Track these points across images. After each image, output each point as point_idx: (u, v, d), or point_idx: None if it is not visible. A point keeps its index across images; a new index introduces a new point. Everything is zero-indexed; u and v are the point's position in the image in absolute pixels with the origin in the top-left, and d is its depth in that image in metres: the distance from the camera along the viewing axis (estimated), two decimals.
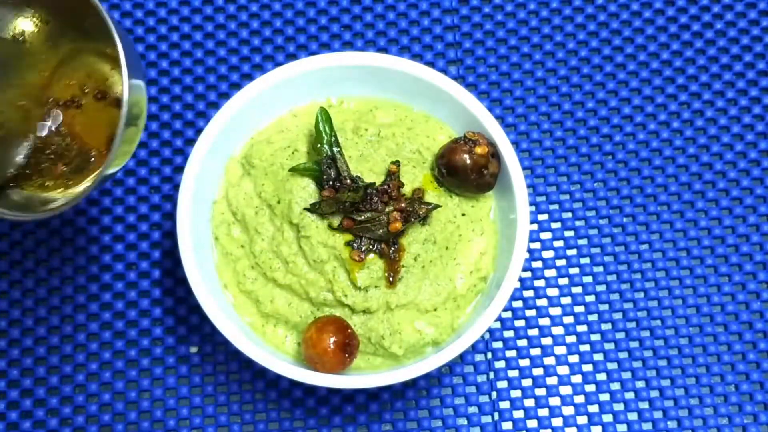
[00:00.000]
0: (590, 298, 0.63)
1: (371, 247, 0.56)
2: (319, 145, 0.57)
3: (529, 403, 0.61)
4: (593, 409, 0.61)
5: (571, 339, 0.62)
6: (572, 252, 0.64)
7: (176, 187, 0.64)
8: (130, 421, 0.60)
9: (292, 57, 0.68)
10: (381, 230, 0.55)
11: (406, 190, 0.57)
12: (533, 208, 0.65)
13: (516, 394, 0.61)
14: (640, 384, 0.62)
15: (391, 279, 0.56)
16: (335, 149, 0.56)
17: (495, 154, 0.57)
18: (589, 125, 0.67)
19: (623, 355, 0.62)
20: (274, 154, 0.58)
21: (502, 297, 0.54)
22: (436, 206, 0.57)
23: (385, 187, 0.56)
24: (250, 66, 0.68)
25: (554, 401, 0.61)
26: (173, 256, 0.63)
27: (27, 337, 0.62)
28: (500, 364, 0.62)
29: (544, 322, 0.63)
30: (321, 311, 0.56)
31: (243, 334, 0.54)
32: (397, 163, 0.57)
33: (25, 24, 0.52)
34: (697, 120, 0.67)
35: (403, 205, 0.56)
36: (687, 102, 0.67)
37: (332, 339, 0.53)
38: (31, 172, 0.53)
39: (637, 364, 0.62)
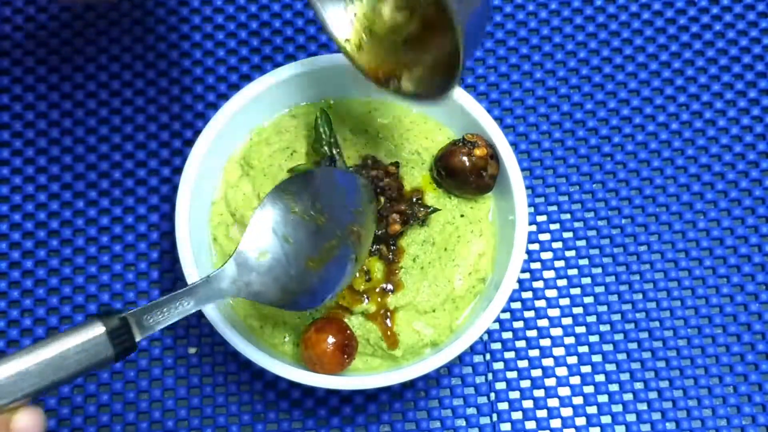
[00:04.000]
0: (588, 300, 0.63)
1: (370, 248, 0.56)
2: (318, 146, 0.57)
3: (528, 404, 0.61)
4: (592, 410, 0.61)
5: (569, 340, 0.62)
6: (570, 253, 0.64)
7: (175, 188, 0.64)
8: (129, 422, 0.60)
9: (291, 58, 0.68)
10: (380, 232, 0.55)
11: (405, 190, 0.57)
12: (532, 210, 0.65)
13: (514, 395, 0.61)
14: (639, 385, 0.62)
15: (391, 290, 0.56)
16: (334, 150, 0.56)
17: (494, 155, 0.57)
18: (588, 126, 0.67)
19: (621, 356, 0.62)
20: (272, 155, 0.58)
21: (501, 298, 0.54)
22: (435, 210, 0.57)
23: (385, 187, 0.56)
24: (248, 67, 0.68)
25: (553, 402, 0.61)
26: (172, 257, 0.63)
27: (26, 338, 0.62)
28: (499, 366, 0.62)
29: (543, 323, 0.63)
30: (320, 312, 0.56)
31: (241, 334, 0.54)
32: (396, 164, 0.57)
33: None
34: (696, 121, 0.67)
35: (402, 207, 0.56)
36: (686, 103, 0.67)
37: (331, 340, 0.53)
38: None
39: (636, 366, 0.62)
